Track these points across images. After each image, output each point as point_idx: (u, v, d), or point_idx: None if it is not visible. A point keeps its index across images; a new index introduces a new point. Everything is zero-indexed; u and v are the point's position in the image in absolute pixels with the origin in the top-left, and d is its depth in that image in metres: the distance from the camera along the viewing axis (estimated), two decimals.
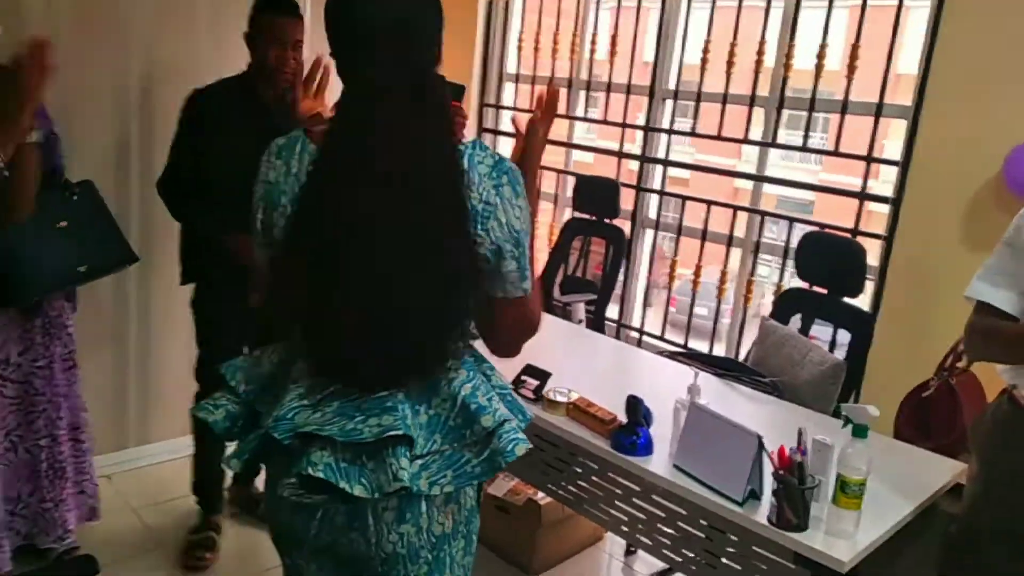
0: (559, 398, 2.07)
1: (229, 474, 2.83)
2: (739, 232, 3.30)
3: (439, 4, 1.24)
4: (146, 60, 2.87)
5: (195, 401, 2.65)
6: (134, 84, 2.87)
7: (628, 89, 3.60)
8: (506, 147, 4.28)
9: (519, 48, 4.05)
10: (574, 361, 2.51)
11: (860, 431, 1.57)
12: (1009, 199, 2.38)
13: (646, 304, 3.73)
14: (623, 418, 1.93)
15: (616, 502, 2.03)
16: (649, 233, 3.63)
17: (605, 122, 3.76)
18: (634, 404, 1.90)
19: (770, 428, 1.79)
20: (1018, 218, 1.68)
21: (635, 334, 3.65)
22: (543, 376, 2.16)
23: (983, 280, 1.72)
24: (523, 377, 2.18)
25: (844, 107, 2.91)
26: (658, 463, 1.87)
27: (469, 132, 2.99)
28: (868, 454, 1.56)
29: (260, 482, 2.86)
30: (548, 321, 3.01)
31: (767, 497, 1.66)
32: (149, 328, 3.06)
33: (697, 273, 3.38)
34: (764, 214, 3.23)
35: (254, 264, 2.21)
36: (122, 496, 2.93)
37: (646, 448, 1.88)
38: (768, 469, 1.65)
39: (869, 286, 2.79)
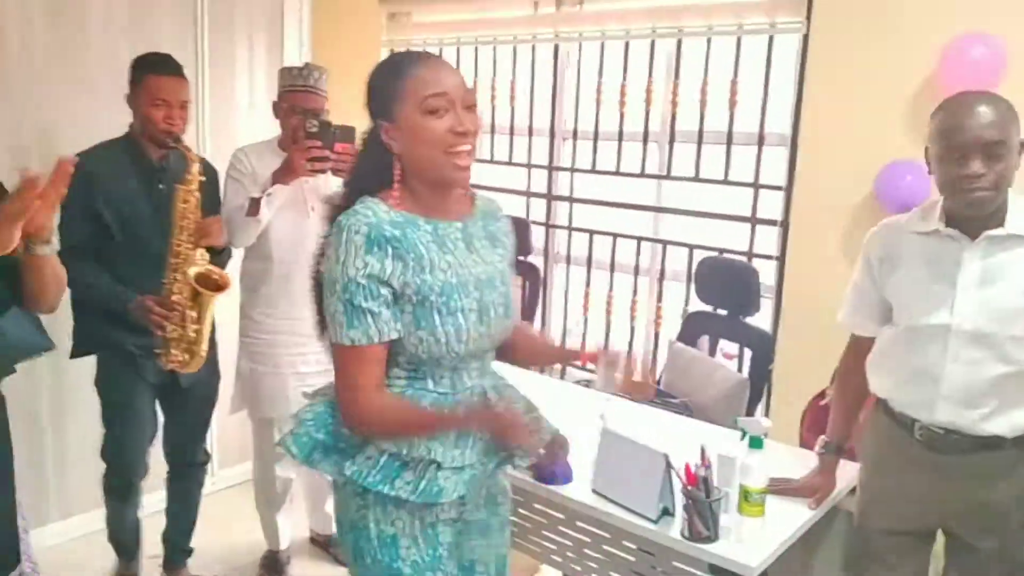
0: None
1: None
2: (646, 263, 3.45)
3: None
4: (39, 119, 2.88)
5: (104, 482, 2.64)
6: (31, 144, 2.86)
7: (530, 131, 3.73)
8: None
9: None
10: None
11: (756, 442, 1.68)
12: (883, 215, 2.57)
13: (564, 337, 3.82)
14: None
15: (544, 532, 2.09)
16: (561, 268, 3.74)
17: (511, 163, 3.88)
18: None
19: (681, 446, 1.89)
20: (865, 246, 1.85)
21: (558, 366, 3.73)
22: None
23: (849, 308, 1.91)
24: None
25: (729, 138, 3.09)
26: (579, 490, 1.94)
27: None
28: (766, 463, 1.66)
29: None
30: None
31: (680, 513, 1.75)
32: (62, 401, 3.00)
33: (609, 303, 3.51)
34: (666, 243, 3.38)
35: (160, 324, 2.29)
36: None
37: (565, 476, 1.95)
38: (678, 486, 1.74)
39: (769, 304, 2.96)
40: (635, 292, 3.45)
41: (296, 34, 3.65)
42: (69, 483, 3.08)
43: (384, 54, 4.15)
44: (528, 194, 3.78)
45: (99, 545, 2.84)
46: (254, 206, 2.54)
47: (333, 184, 2.66)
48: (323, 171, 2.56)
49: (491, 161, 3.96)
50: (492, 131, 3.92)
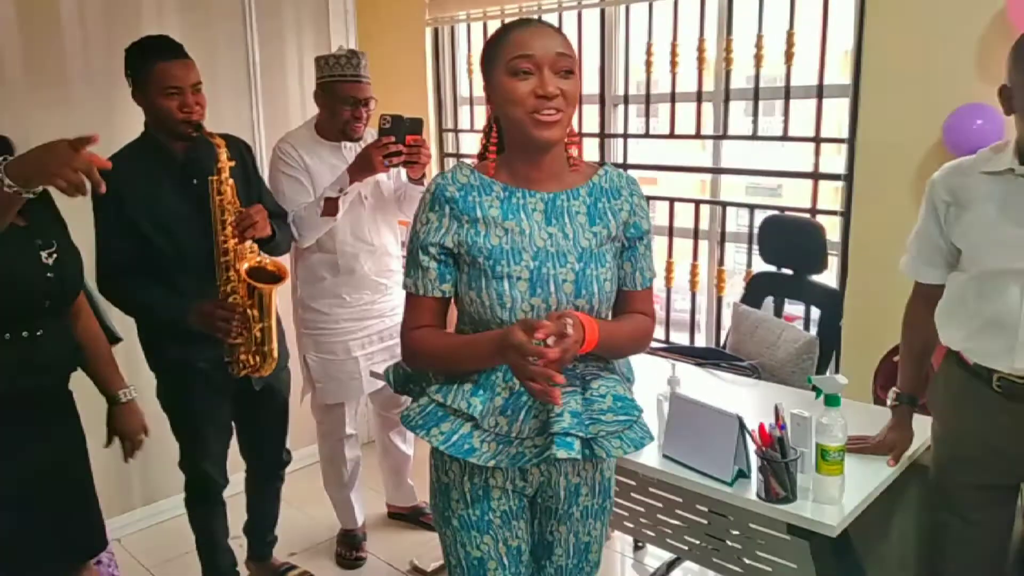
0: None
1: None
2: (705, 225, 3.39)
3: None
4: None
5: (186, 494, 2.57)
6: None
7: (580, 99, 3.68)
8: None
9: (469, 71, 4.13)
10: None
11: (832, 400, 1.65)
12: None
13: None
14: None
15: (616, 499, 2.09)
16: None
17: None
18: None
19: (752, 409, 1.87)
20: (929, 190, 1.78)
21: None
22: None
23: (911, 255, 1.85)
24: None
25: (787, 92, 3.01)
26: (649, 455, 1.93)
27: (431, 158, 3.06)
28: (843, 421, 1.63)
29: None
30: None
31: (755, 474, 1.73)
32: (140, 388, 3.08)
33: (669, 269, 3.46)
34: (725, 204, 3.32)
35: (226, 329, 2.17)
36: (134, 558, 2.95)
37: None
38: (752, 448, 1.72)
39: (835, 262, 2.88)
40: (695, 256, 3.40)
41: (342, 17, 3.67)
42: (150, 469, 3.17)
43: (428, 33, 4.15)
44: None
45: (181, 530, 2.93)
46: (331, 205, 2.55)
47: (382, 174, 2.68)
48: (397, 165, 2.57)
49: None
50: None
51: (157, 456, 3.11)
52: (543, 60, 1.38)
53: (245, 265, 2.24)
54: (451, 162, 4.32)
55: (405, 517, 3.27)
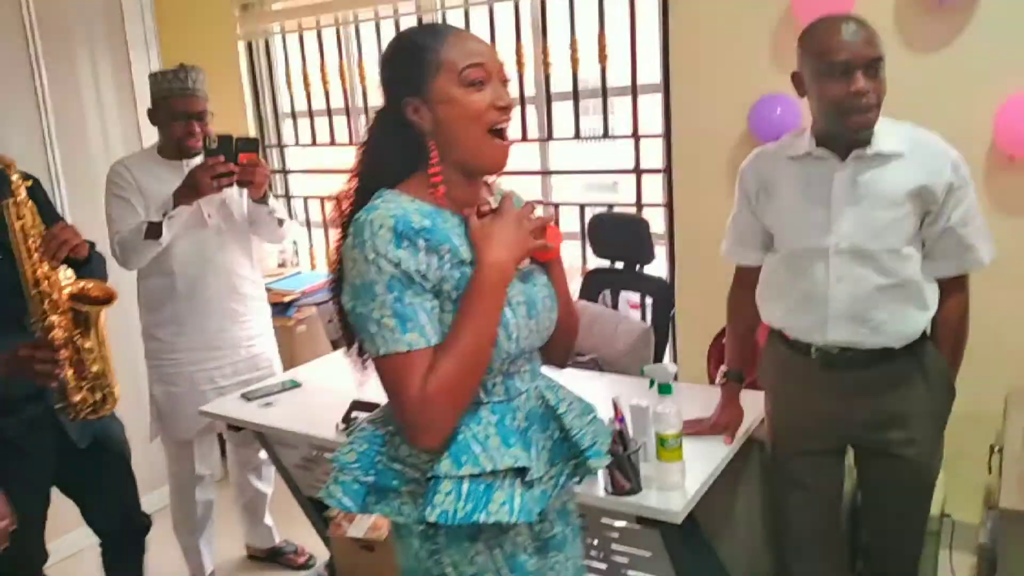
0: None
1: None
2: None
3: None
4: None
5: None
6: None
7: None
8: (297, 184, 4.20)
9: (288, 84, 4.00)
10: None
11: (664, 388, 1.69)
12: None
13: None
14: None
15: None
16: None
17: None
18: None
19: (596, 403, 1.87)
20: (740, 178, 1.87)
21: None
22: (372, 408, 2.14)
23: (729, 240, 1.94)
24: (353, 413, 2.15)
25: (604, 92, 3.10)
26: None
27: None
28: (676, 407, 1.67)
29: None
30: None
31: (601, 469, 1.74)
32: None
33: None
34: (557, 205, 3.38)
35: (49, 371, 1.88)
36: None
37: None
38: None
39: (663, 251, 3.00)
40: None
41: (140, 35, 3.41)
42: None
43: (242, 49, 3.98)
44: None
45: None
46: (154, 229, 2.40)
47: (234, 193, 2.58)
48: (229, 185, 2.45)
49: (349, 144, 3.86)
50: (366, 112, 3.81)
51: None
52: (493, 68, 1.23)
53: (67, 291, 1.98)
54: (280, 179, 4.15)
55: (263, 559, 3.10)
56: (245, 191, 2.59)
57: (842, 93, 1.58)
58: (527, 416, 1.30)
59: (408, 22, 3.51)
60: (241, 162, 2.43)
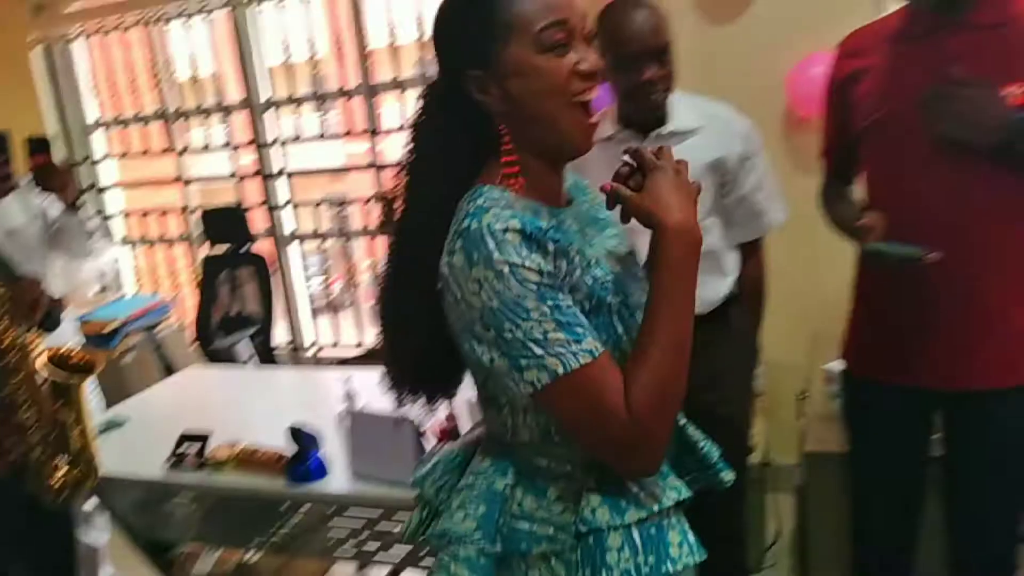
0: (223, 455, 1.92)
1: None
2: None
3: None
4: None
5: None
6: None
7: (224, 108, 3.45)
8: (114, 201, 3.89)
9: (95, 92, 3.70)
10: (238, 409, 2.36)
11: None
12: None
13: (316, 318, 3.66)
14: (291, 450, 1.84)
15: (320, 531, 1.97)
16: (295, 247, 3.53)
17: (210, 148, 3.58)
18: (296, 434, 1.83)
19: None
20: None
21: (309, 353, 3.57)
22: (201, 439, 1.99)
23: None
24: (180, 449, 1.98)
25: (344, 92, 3.14)
26: (339, 479, 1.83)
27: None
28: None
29: None
30: (207, 374, 2.80)
31: None
32: None
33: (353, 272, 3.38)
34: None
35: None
36: None
37: (320, 471, 1.83)
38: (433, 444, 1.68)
39: None
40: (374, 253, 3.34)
41: None
42: None
43: (39, 52, 3.63)
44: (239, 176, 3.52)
45: None
46: None
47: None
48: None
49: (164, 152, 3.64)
50: (186, 116, 3.58)
51: None
52: (576, 25, 0.99)
53: (43, 357, 1.71)
54: (96, 196, 3.82)
55: None
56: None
57: (632, 84, 1.65)
58: None
59: (222, 15, 3.30)
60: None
